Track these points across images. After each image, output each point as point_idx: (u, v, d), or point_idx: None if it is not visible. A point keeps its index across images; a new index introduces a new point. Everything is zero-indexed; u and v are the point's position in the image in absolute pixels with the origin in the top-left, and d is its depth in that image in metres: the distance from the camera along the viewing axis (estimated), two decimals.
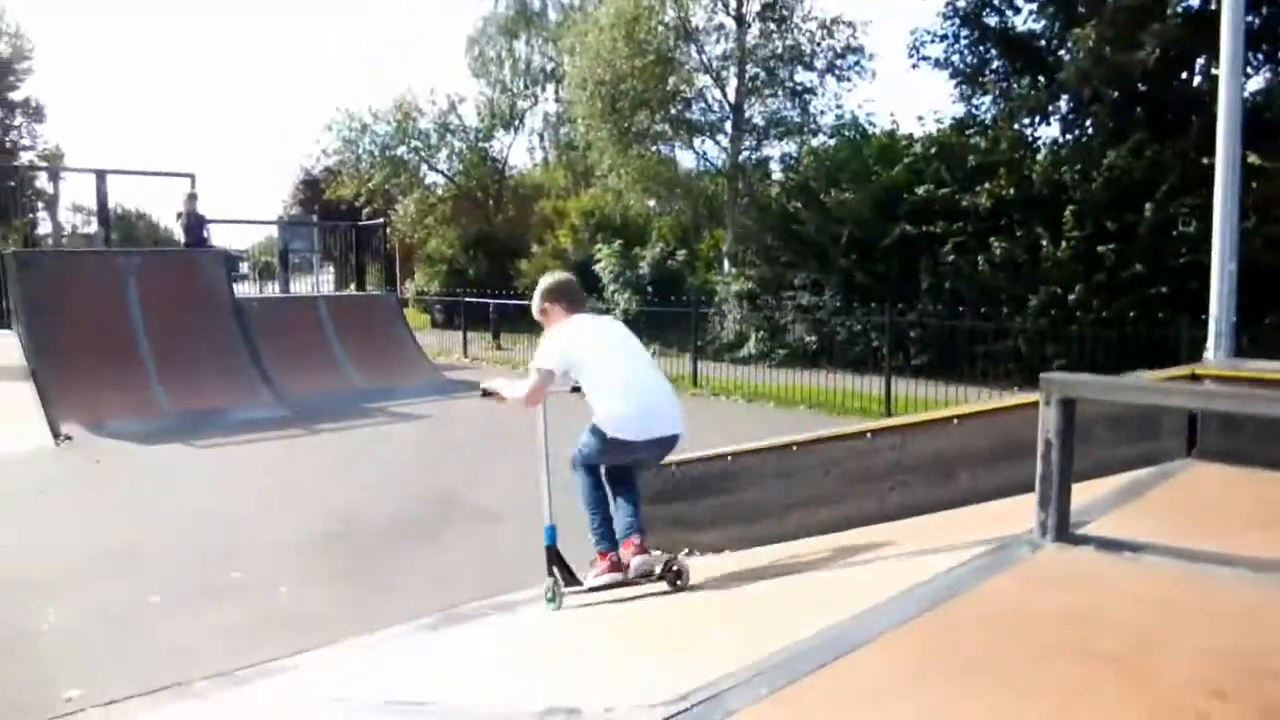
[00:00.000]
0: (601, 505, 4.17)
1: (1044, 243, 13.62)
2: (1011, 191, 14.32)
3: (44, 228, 35.49)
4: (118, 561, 5.68)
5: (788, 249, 17.06)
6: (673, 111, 20.32)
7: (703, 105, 20.93)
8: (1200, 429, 3.45)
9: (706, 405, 11.82)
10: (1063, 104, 15.86)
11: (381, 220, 18.02)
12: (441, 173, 29.42)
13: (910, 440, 4.28)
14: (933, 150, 15.67)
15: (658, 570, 3.88)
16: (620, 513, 4.08)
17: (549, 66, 29.88)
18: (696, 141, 21.04)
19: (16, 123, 45.38)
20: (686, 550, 5.34)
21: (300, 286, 16.82)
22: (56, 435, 9.38)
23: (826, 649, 1.76)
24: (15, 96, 44.74)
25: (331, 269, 20.25)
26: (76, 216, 39.89)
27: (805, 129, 20.41)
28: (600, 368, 4.08)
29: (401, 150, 28.74)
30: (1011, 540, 2.37)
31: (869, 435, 4.43)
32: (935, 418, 4.25)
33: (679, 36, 19.79)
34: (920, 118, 17.79)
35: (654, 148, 20.34)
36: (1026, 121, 15.47)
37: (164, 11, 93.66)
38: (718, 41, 20.76)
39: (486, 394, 4.63)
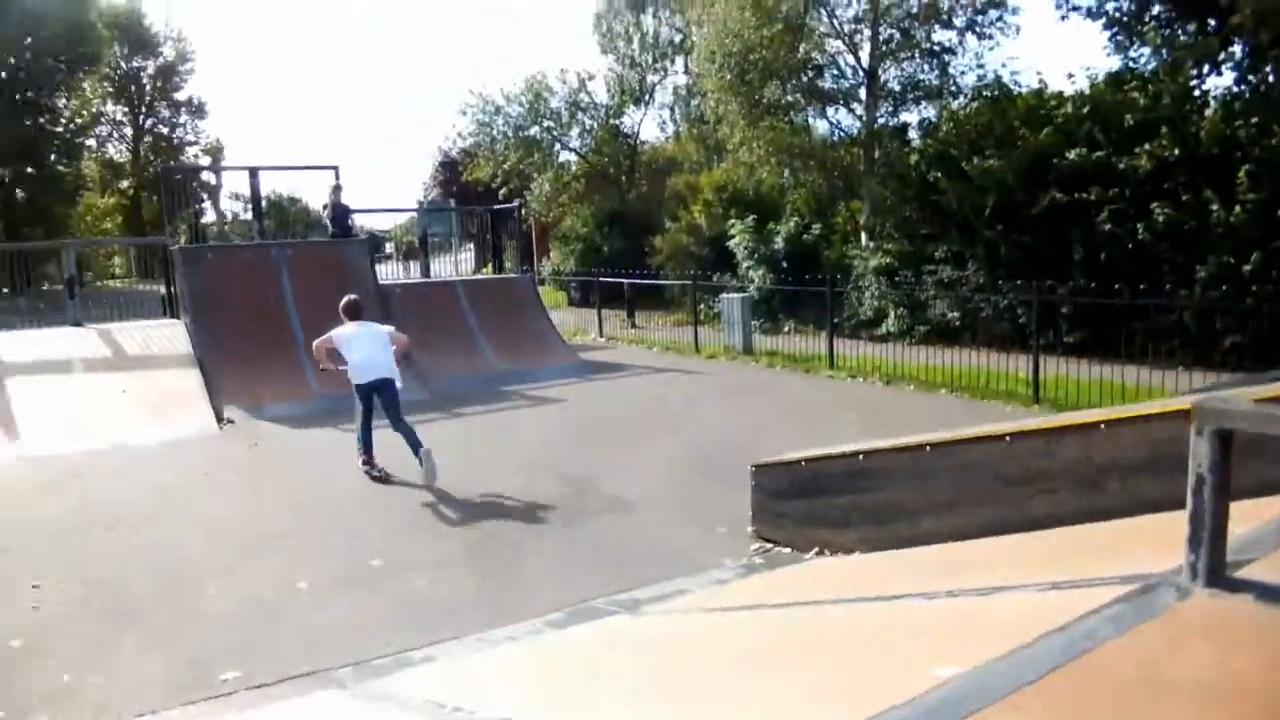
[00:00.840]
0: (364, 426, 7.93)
1: (1214, 207, 12.58)
2: (1176, 152, 13.26)
3: (208, 216, 38.08)
4: (271, 545, 6.08)
5: (928, 220, 16.42)
6: (804, 80, 19.83)
7: (835, 72, 20.34)
8: None
9: (842, 389, 11.57)
10: (1236, 50, 14.56)
11: (516, 203, 18.38)
12: (574, 151, 29.82)
13: (1053, 445, 4.05)
14: (1085, 110, 14.68)
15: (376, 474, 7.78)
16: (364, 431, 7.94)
17: (677, 39, 29.69)
18: (830, 110, 20.49)
19: (181, 120, 48.82)
20: (817, 549, 5.28)
21: (440, 267, 17.44)
22: (220, 419, 10.12)
23: (941, 712, 1.68)
24: (180, 96, 48.08)
25: (471, 249, 20.90)
26: (236, 204, 42.65)
27: (945, 92, 19.53)
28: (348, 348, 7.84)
29: (534, 130, 29.24)
30: (1157, 581, 2.20)
31: (1007, 439, 4.22)
32: (1081, 422, 4.00)
33: (808, 2, 19.23)
34: (1070, 75, 16.70)
35: (786, 119, 19.88)
36: (1193, 73, 14.23)
37: (308, 6, 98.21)
38: (849, 4, 20.06)
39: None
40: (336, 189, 14.21)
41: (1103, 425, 3.85)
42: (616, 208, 27.09)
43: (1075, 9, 16.20)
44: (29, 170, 38.06)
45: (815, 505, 5.28)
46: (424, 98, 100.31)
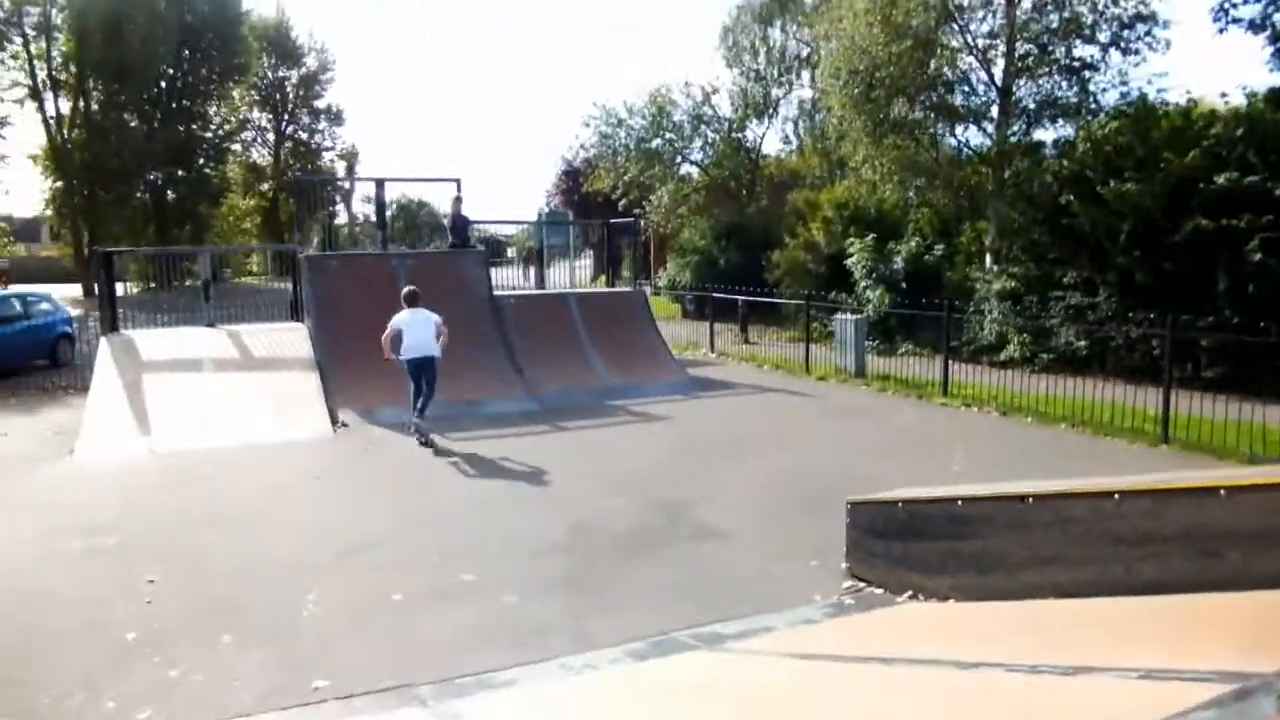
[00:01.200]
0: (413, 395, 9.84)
1: None
2: None
3: (341, 218, 39.93)
4: (371, 553, 6.31)
5: (1057, 244, 15.72)
6: (933, 97, 19.30)
7: (966, 89, 19.71)
8: None
9: (955, 418, 11.18)
10: None
11: (631, 218, 18.55)
12: (695, 163, 29.90)
13: (1166, 507, 3.81)
14: (1239, 131, 13.77)
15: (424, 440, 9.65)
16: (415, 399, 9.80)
17: (804, 52, 29.41)
18: (958, 128, 19.87)
19: (320, 126, 51.49)
20: (910, 593, 5.13)
21: (558, 275, 17.74)
22: (335, 422, 10.58)
23: None
24: (319, 104, 50.74)
25: (589, 256, 21.13)
26: (368, 207, 44.59)
27: (1083, 109, 18.64)
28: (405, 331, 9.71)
29: (656, 142, 29.49)
30: (1256, 685, 2.04)
31: (1116, 497, 3.99)
32: (1198, 485, 3.74)
33: (940, 17, 18.71)
34: (1224, 94, 15.66)
35: (912, 136, 19.38)
36: None
37: (439, 15, 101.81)
38: (984, 19, 19.43)
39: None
40: (457, 200, 14.66)
41: (1223, 491, 3.60)
42: (735, 221, 27.01)
43: (1235, 21, 15.21)
44: (180, 173, 40.79)
45: (911, 548, 5.12)
46: (549, 104, 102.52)
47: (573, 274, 18.16)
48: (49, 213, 39.23)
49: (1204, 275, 13.19)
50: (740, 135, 30.07)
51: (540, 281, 15.73)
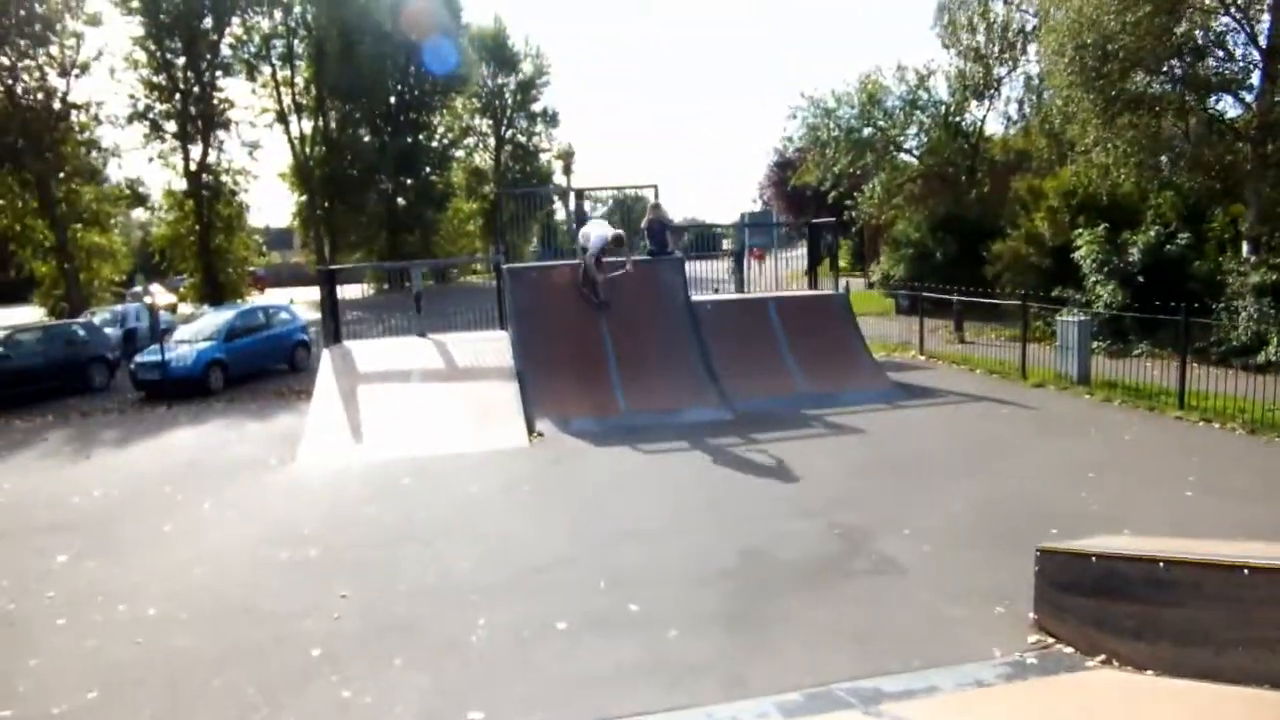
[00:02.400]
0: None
1: None
2: None
3: (559, 215, 41.61)
4: (542, 576, 6.46)
5: None
6: (1178, 68, 17.29)
7: (1221, 54, 17.50)
8: None
9: (1191, 436, 9.95)
10: None
11: (832, 218, 17.88)
12: (909, 151, 28.55)
13: None
14: None
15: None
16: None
17: (1029, 25, 27.25)
18: (1210, 100, 17.68)
19: (537, 130, 53.95)
20: (1102, 658, 4.61)
21: (772, 267, 17.38)
22: (531, 431, 10.95)
23: None
24: (535, 108, 53.14)
25: (802, 247, 20.57)
26: (585, 204, 46.18)
27: None
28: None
29: (867, 131, 28.40)
30: None
31: None
32: None
33: None
34: None
35: (1152, 112, 17.44)
36: None
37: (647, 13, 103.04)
38: None
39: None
40: (655, 207, 14.77)
41: None
42: (952, 212, 25.58)
43: None
44: (408, 181, 44.11)
45: (1104, 608, 4.58)
46: (761, 96, 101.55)
47: (778, 272, 17.78)
48: (296, 223, 43.67)
49: None
50: (958, 119, 28.35)
51: (740, 285, 15.55)
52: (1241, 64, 17.40)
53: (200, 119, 35.05)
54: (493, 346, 12.94)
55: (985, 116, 28.97)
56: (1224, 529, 6.74)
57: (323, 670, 5.08)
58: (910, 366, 15.44)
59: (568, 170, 59.88)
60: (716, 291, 16.12)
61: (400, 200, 44.95)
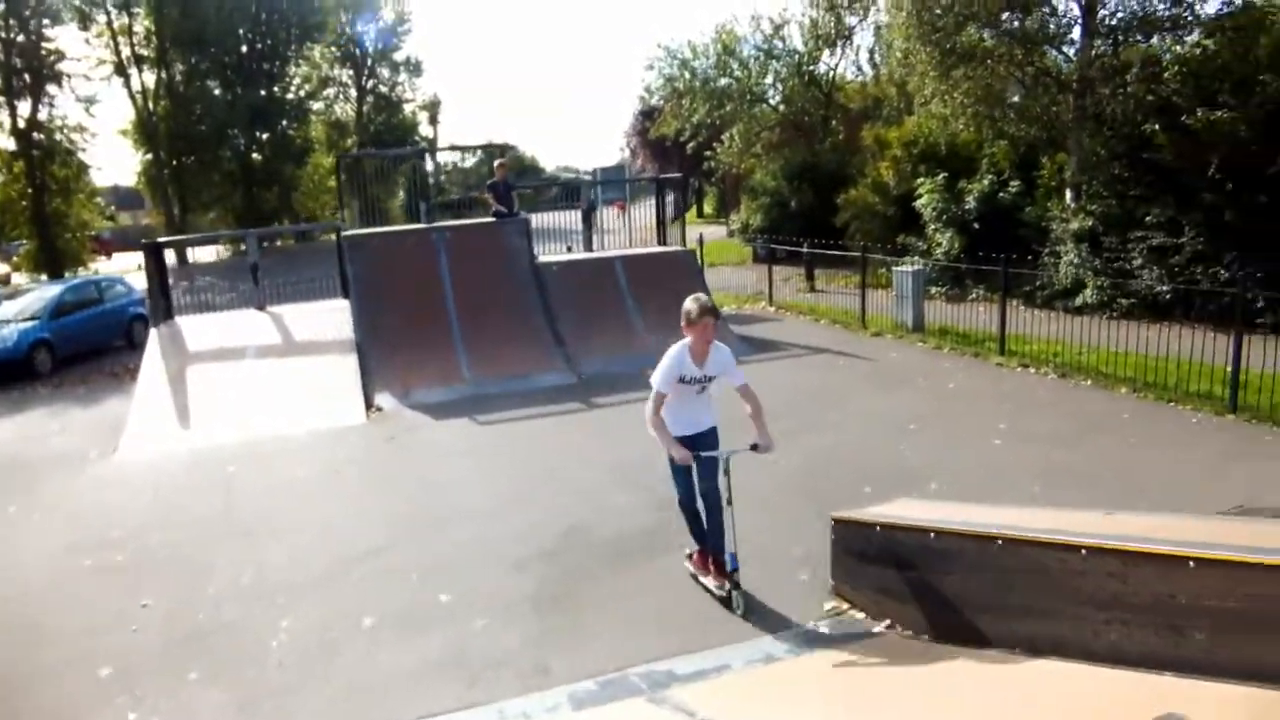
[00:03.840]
0: None
1: None
2: None
3: (428, 165, 40.34)
4: (357, 567, 6.26)
5: (1139, 179, 14.53)
6: (1008, 21, 17.88)
7: (1046, 9, 18.19)
8: None
9: (1009, 382, 10.47)
10: None
11: (679, 175, 17.90)
12: (765, 101, 28.78)
13: (1133, 571, 3.37)
14: None
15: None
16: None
17: None
18: (1036, 54, 18.40)
19: (400, 79, 51.88)
20: (887, 622, 4.81)
21: (639, 216, 17.11)
22: (370, 406, 10.63)
23: None
24: (398, 56, 51.05)
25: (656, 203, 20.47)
26: (455, 155, 44.87)
27: (1180, 23, 16.97)
28: None
29: (724, 81, 28.50)
30: None
31: (1083, 552, 3.56)
32: (1164, 553, 3.28)
33: None
34: None
35: (984, 65, 18.03)
36: None
37: None
38: None
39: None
40: (500, 166, 14.41)
41: (1192, 563, 3.15)
42: (807, 160, 25.97)
43: None
44: (263, 136, 41.73)
45: (889, 575, 4.75)
46: (630, 39, 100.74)
47: (639, 223, 17.46)
48: (141, 184, 40.81)
49: None
50: (812, 68, 28.73)
51: (589, 245, 15.39)
52: (1064, 19, 18.19)
53: (28, 72, 32.04)
54: (333, 318, 12.41)
55: (838, 65, 29.49)
56: (1027, 477, 7.15)
57: (110, 692, 4.79)
58: (759, 319, 15.70)
59: (434, 121, 57.98)
60: (570, 250, 15.93)
61: (256, 156, 42.55)
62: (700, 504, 5.42)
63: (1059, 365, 10.76)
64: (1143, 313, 12.98)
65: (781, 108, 28.64)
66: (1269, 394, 8.51)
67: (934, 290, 16.39)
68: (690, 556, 5.75)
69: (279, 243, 41.87)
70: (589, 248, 15.31)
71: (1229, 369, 8.75)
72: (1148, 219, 14.03)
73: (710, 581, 5.43)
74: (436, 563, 6.25)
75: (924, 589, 4.50)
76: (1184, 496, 6.37)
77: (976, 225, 17.16)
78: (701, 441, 5.39)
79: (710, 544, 5.43)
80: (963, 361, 11.65)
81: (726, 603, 5.21)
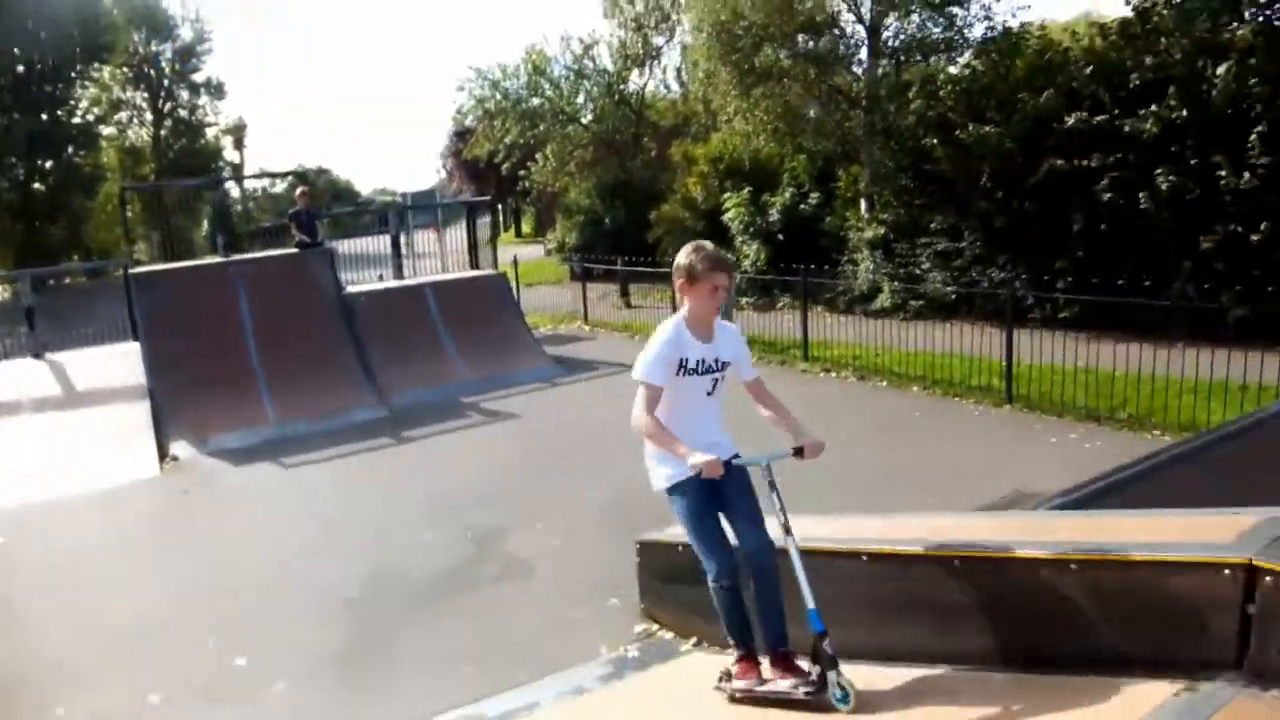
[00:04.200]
0: None
1: (1222, 173, 11.65)
2: (1184, 113, 12.27)
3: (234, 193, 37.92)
4: (144, 642, 5.68)
5: (923, 189, 15.57)
6: (802, 43, 18.80)
7: (836, 32, 19.26)
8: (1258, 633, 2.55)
9: (813, 387, 10.95)
10: None
11: (486, 198, 17.73)
12: (576, 120, 28.97)
13: (909, 573, 3.51)
14: (1088, 70, 13.64)
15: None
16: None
17: None
18: (830, 73, 19.44)
19: (201, 102, 48.81)
20: (695, 640, 4.82)
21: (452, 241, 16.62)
22: (164, 456, 9.78)
23: None
24: (198, 78, 48.03)
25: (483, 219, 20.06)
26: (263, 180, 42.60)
27: (952, 45, 18.38)
28: None
29: (535, 101, 28.52)
30: None
31: (865, 559, 3.68)
32: (934, 554, 3.43)
33: None
34: (1075, 33, 15.55)
35: (781, 84, 18.86)
36: (1205, 26, 12.99)
37: None
38: None
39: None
40: (303, 194, 13.78)
41: (956, 561, 3.30)
42: (620, 178, 26.33)
43: None
44: (47, 164, 38.17)
45: (693, 592, 4.75)
46: (441, 63, 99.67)
47: (443, 266, 16.94)
48: None
49: (1060, 216, 13.14)
50: (622, 87, 29.21)
51: (399, 272, 14.89)
52: (853, 41, 19.33)
53: None
54: (122, 362, 11.36)
55: (647, 84, 30.11)
56: (827, 481, 7.38)
57: None
58: (575, 338, 15.71)
59: (239, 145, 54.78)
60: (381, 278, 15.39)
61: (38, 186, 38.68)
62: (744, 573, 3.61)
63: (858, 368, 11.32)
64: (932, 313, 13.90)
65: (594, 127, 28.91)
66: (1036, 385, 9.26)
67: (744, 301, 16.92)
68: (728, 673, 3.71)
69: (68, 281, 38.34)
70: (400, 275, 14.84)
71: (1004, 363, 9.46)
72: (932, 226, 15.05)
73: (783, 683, 3.44)
74: (233, 624, 5.78)
75: None
76: (969, 488, 6.77)
77: (780, 236, 17.89)
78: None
79: (768, 635, 3.58)
80: (769, 370, 11.99)
81: (816, 697, 3.30)
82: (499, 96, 28.56)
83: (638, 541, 5.26)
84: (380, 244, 15.90)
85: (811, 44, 18.97)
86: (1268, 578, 2.46)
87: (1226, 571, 2.56)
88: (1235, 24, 12.62)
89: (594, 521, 7.03)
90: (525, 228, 53.81)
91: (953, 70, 17.14)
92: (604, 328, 16.65)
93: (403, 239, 15.63)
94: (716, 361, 3.64)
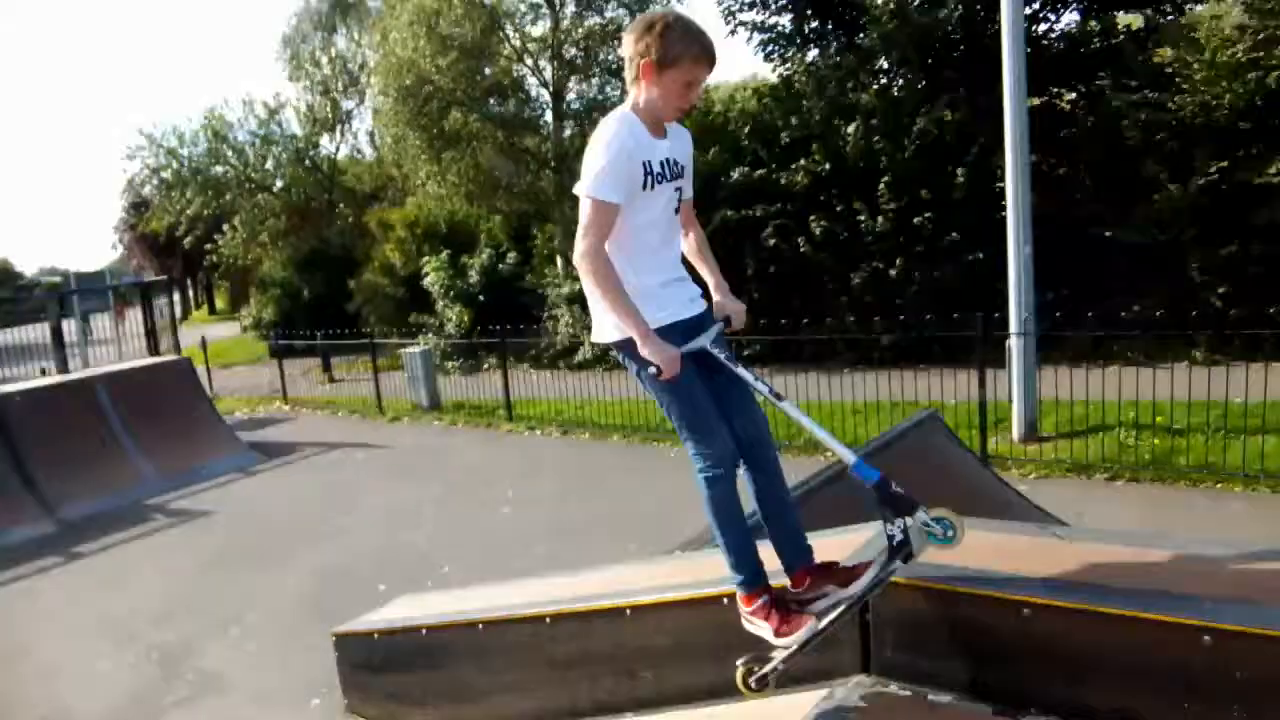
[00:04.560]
0: None
1: (862, 218, 13.26)
2: (827, 167, 13.88)
3: None
4: None
5: None
6: (489, 106, 19.12)
7: (521, 95, 19.83)
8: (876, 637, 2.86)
9: (518, 447, 11.05)
10: (883, 65, 15.22)
11: (164, 277, 16.39)
12: (265, 188, 27.47)
13: (590, 630, 3.59)
14: (746, 129, 15.07)
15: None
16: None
17: (372, 60, 28.09)
18: (517, 136, 19.95)
19: None
20: None
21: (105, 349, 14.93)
22: None
23: None
24: None
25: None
26: None
27: None
28: None
29: (219, 169, 26.77)
30: None
31: (548, 620, 3.72)
32: (609, 607, 3.55)
33: (488, 26, 18.50)
34: (733, 97, 17.17)
35: (470, 148, 19.04)
36: (836, 91, 14.83)
37: None
38: (534, 22, 19.64)
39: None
40: None
41: (629, 611, 3.42)
42: (316, 247, 25.24)
43: (743, 24, 16.26)
44: None
45: (397, 680, 4.60)
46: (112, 120, 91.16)
47: (120, 353, 15.21)
48: None
49: (736, 261, 14.29)
50: (313, 153, 28.12)
51: (64, 366, 13.14)
52: (538, 104, 19.98)
53: None
54: None
55: (339, 149, 29.23)
56: (534, 540, 7.44)
57: None
58: (274, 420, 14.75)
59: None
60: (44, 372, 13.52)
61: None
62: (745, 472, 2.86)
63: (562, 423, 11.56)
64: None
65: (284, 195, 27.55)
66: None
67: (450, 365, 16.77)
68: (757, 658, 2.74)
69: None
70: (64, 368, 13.12)
71: None
72: None
73: (864, 578, 2.61)
74: None
75: (429, 687, 4.42)
76: (669, 530, 7.04)
77: (482, 297, 17.96)
78: (697, 333, 2.79)
79: (790, 551, 2.83)
80: (476, 434, 12.00)
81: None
82: (176, 164, 26.48)
83: (334, 634, 4.97)
84: (45, 333, 14.02)
85: (499, 108, 19.38)
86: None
87: None
88: (859, 90, 14.53)
89: (292, 617, 6.57)
90: (219, 304, 50.04)
91: None
92: (306, 405, 15.77)
93: (71, 326, 13.91)
94: (676, 164, 2.74)
